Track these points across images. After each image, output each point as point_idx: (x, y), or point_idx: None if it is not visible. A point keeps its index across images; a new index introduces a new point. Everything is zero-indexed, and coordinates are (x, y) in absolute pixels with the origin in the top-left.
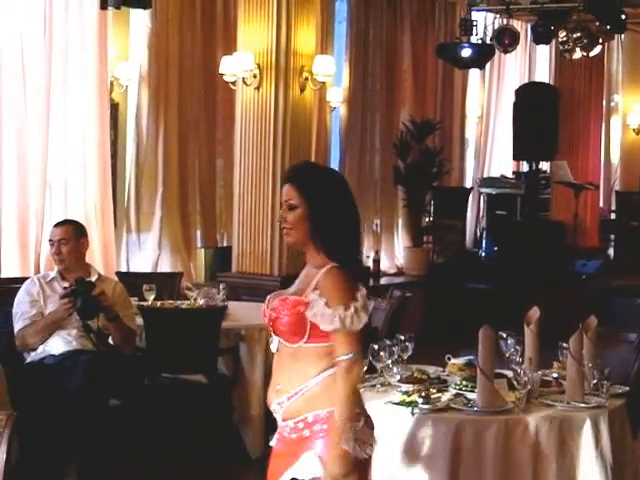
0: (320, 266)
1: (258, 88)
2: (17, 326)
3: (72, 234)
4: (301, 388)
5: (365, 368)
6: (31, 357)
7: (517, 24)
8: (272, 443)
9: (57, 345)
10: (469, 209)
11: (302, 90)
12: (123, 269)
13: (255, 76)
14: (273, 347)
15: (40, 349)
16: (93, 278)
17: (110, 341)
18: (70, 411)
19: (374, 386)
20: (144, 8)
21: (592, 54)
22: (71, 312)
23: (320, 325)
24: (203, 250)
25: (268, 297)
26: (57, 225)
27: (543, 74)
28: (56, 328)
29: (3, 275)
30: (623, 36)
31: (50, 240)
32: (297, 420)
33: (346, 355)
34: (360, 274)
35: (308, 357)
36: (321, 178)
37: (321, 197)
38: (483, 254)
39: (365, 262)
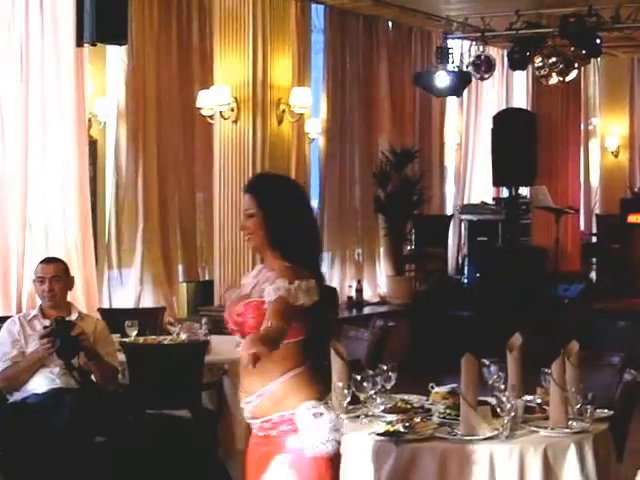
0: (275, 269)
1: (236, 121)
2: None
3: (64, 271)
4: (266, 389)
5: (348, 399)
6: (14, 396)
7: (493, 51)
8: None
9: (40, 383)
10: (450, 236)
11: (280, 122)
12: (105, 305)
13: (232, 109)
14: (239, 349)
15: (23, 388)
16: (73, 317)
17: (93, 378)
18: (56, 449)
19: (358, 417)
20: (120, 44)
21: (568, 79)
22: (51, 352)
23: (266, 300)
24: (185, 284)
25: (227, 303)
26: (47, 262)
27: (521, 100)
28: (39, 368)
29: None
30: (599, 59)
31: (40, 277)
32: (264, 420)
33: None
34: (317, 274)
35: (274, 356)
36: (274, 187)
37: (274, 204)
38: (465, 280)
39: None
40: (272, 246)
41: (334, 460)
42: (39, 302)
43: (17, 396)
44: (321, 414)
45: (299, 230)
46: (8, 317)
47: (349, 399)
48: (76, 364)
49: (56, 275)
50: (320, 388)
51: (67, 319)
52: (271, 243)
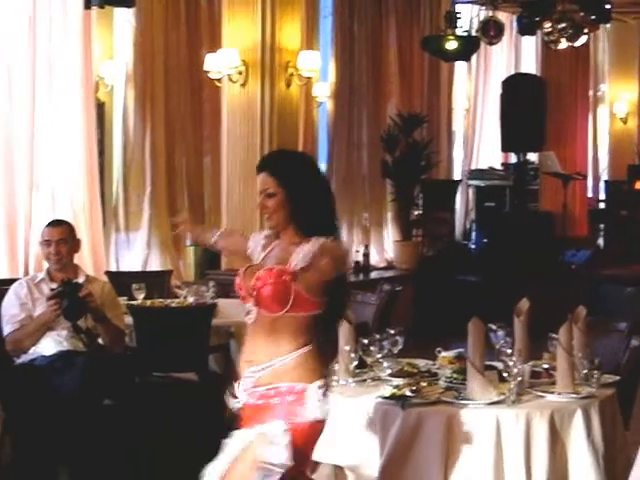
0: (298, 243)
1: (244, 85)
2: (6, 329)
3: (70, 234)
4: (274, 362)
5: (355, 362)
6: (21, 358)
7: (502, 16)
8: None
9: (48, 346)
10: (458, 201)
11: (288, 86)
12: (112, 268)
13: (241, 73)
14: (249, 318)
15: (31, 350)
16: (80, 279)
17: (100, 341)
18: (63, 412)
19: (364, 381)
20: (128, 6)
21: (577, 44)
22: (58, 314)
23: (301, 263)
24: (192, 248)
25: (240, 270)
26: (53, 225)
27: (529, 65)
28: (46, 330)
29: None
30: (608, 25)
31: (47, 240)
32: (269, 387)
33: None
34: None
35: (286, 328)
36: (294, 163)
37: (296, 182)
38: (473, 246)
39: (352, 253)
40: (295, 224)
41: (323, 425)
42: (46, 265)
43: (24, 358)
44: (328, 390)
45: (321, 205)
46: (15, 280)
47: (356, 362)
48: (83, 326)
49: (62, 238)
50: (328, 362)
51: (74, 281)
52: (294, 221)
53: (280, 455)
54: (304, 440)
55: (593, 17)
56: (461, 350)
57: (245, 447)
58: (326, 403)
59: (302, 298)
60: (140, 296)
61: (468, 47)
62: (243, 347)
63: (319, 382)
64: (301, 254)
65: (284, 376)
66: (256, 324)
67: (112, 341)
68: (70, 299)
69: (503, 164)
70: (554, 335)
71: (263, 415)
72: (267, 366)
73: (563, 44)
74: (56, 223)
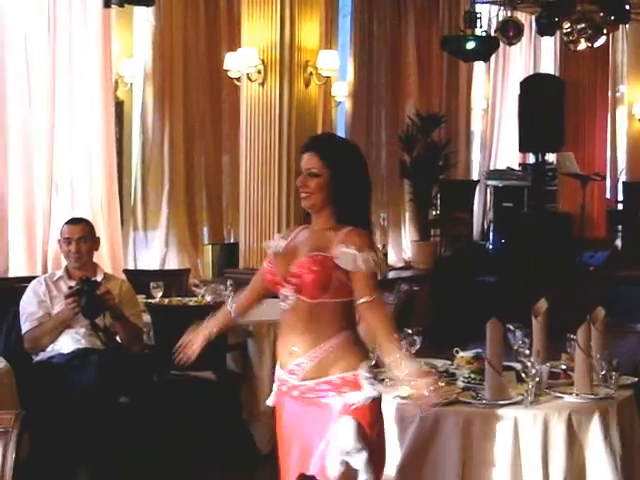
0: (331, 229)
1: (263, 84)
2: (25, 327)
3: (90, 232)
4: (317, 352)
5: (373, 362)
6: (40, 356)
7: (521, 16)
8: (270, 403)
9: (66, 344)
10: (476, 202)
11: (307, 85)
12: (130, 267)
13: (259, 72)
14: (288, 304)
15: (49, 348)
16: (99, 277)
17: (118, 339)
18: (80, 410)
19: (382, 380)
20: (147, 5)
21: (597, 45)
22: (76, 312)
23: (350, 267)
24: (210, 247)
25: (270, 257)
26: (74, 223)
27: (548, 66)
28: (64, 328)
29: (11, 274)
30: (628, 26)
31: (67, 238)
32: (320, 381)
33: (369, 296)
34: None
35: (327, 314)
36: (342, 148)
37: (342, 166)
38: (490, 246)
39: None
40: (332, 208)
41: (380, 402)
42: (64, 263)
43: (42, 356)
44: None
45: (361, 194)
46: (34, 277)
47: (374, 362)
48: (101, 325)
49: (83, 236)
50: (367, 345)
51: (93, 279)
52: (331, 205)
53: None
54: (370, 419)
55: (612, 18)
56: (479, 350)
57: None
58: (377, 382)
59: (342, 283)
60: (158, 294)
61: (487, 47)
62: (282, 336)
63: (366, 363)
64: (343, 248)
65: (333, 369)
66: (295, 311)
67: (130, 339)
68: (88, 297)
69: (521, 164)
70: (572, 336)
71: (325, 416)
72: (313, 356)
73: (582, 45)
74: (76, 221)
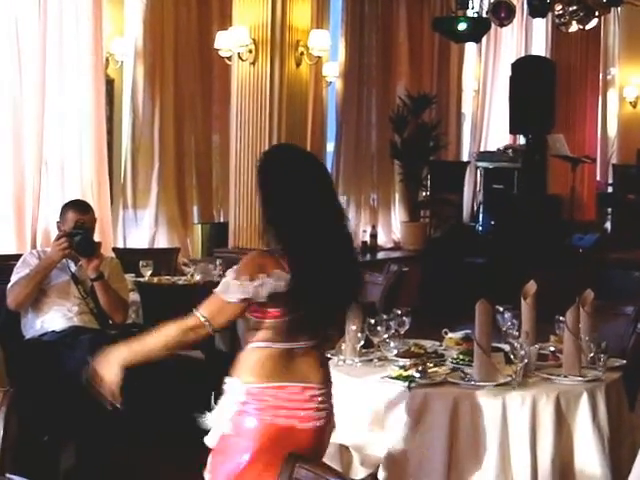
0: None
1: (254, 63)
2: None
3: (95, 219)
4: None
5: (362, 342)
6: (30, 334)
7: None
8: None
9: (57, 321)
10: (466, 183)
11: (298, 65)
12: (120, 245)
13: (251, 51)
14: None
15: (39, 325)
16: None
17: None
18: (70, 388)
19: (371, 360)
20: None
21: (588, 27)
22: (66, 253)
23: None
24: (200, 226)
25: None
26: (81, 211)
27: (539, 47)
28: (47, 275)
29: None
30: (619, 9)
31: (77, 222)
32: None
33: (196, 310)
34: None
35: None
36: (272, 164)
37: (267, 185)
38: (480, 228)
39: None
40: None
41: None
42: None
43: (33, 333)
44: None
45: (296, 215)
46: (22, 255)
47: (362, 342)
48: (94, 308)
49: (92, 227)
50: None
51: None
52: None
53: None
54: None
55: (604, 0)
56: (468, 331)
57: None
58: None
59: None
60: (147, 273)
61: (478, 28)
62: None
63: None
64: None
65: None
66: None
67: (112, 306)
68: (83, 236)
69: (511, 146)
70: (561, 318)
71: None
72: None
73: (574, 27)
74: (83, 208)
